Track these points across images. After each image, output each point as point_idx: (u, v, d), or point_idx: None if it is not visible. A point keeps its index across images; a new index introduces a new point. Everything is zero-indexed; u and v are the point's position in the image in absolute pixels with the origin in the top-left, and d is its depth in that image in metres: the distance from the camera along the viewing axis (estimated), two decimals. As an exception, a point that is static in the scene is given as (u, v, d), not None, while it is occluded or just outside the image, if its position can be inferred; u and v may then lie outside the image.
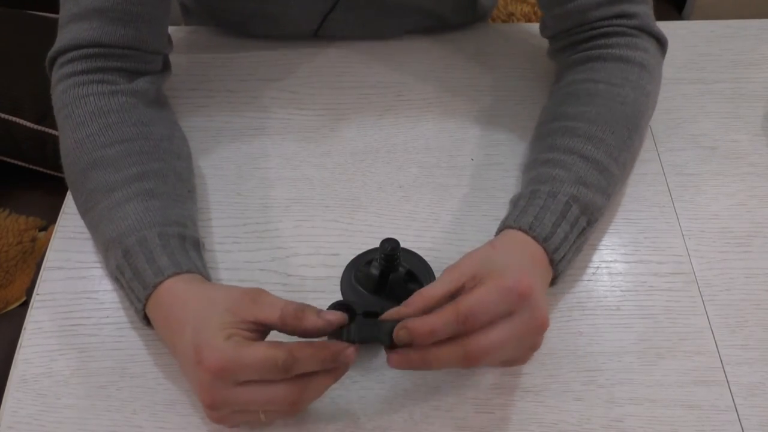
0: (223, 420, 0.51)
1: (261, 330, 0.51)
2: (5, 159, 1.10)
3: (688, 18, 1.48)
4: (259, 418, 0.51)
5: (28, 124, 1.05)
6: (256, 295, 0.52)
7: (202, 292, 0.54)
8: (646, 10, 0.71)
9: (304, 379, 0.49)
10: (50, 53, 0.66)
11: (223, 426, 0.54)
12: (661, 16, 0.71)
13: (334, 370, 0.51)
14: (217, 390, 0.49)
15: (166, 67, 0.74)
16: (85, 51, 0.65)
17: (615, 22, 0.70)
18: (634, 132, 0.66)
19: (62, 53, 0.66)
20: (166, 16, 0.70)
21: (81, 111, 0.64)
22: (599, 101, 0.66)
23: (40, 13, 1.18)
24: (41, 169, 1.10)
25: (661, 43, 0.71)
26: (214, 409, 0.50)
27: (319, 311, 0.51)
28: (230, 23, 0.86)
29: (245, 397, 0.49)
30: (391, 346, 0.50)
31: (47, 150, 1.07)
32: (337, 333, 0.51)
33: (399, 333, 0.49)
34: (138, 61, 0.68)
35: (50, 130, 1.06)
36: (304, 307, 0.50)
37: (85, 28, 0.65)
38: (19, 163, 1.10)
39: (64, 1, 0.66)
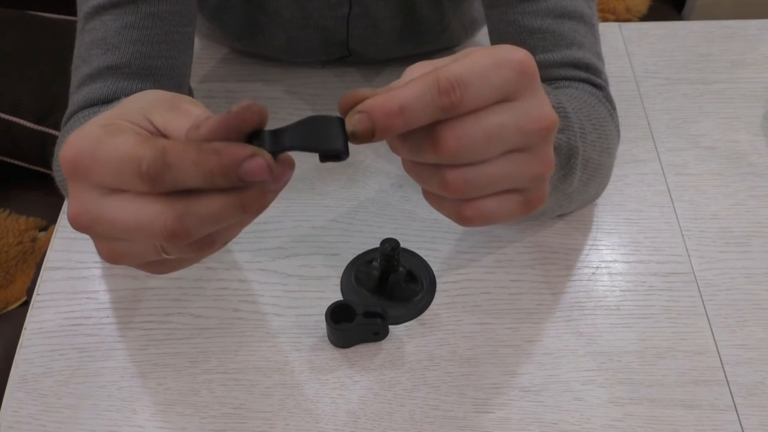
0: (112, 255, 0.38)
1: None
2: (5, 159, 1.09)
3: (687, 18, 1.48)
4: (160, 255, 0.37)
5: (28, 124, 1.05)
6: (183, 101, 0.38)
7: (145, 91, 0.40)
8: (607, 86, 0.66)
9: (186, 197, 0.34)
10: (63, 119, 0.61)
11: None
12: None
13: (235, 191, 0.34)
14: (76, 194, 0.36)
15: None
16: (97, 108, 0.59)
17: (579, 75, 0.63)
18: (601, 132, 0.59)
19: (72, 115, 0.60)
20: (187, 67, 0.65)
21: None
22: (568, 92, 0.62)
23: (41, 14, 1.18)
24: (41, 169, 1.10)
25: (612, 114, 0.65)
26: (79, 225, 0.36)
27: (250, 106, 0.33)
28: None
29: (110, 211, 0.35)
30: (344, 150, 0.35)
31: (47, 150, 1.07)
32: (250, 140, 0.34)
33: (353, 118, 0.34)
34: None
35: (50, 130, 1.05)
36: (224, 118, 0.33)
37: (98, 87, 0.59)
38: (19, 163, 1.10)
39: (75, 66, 0.61)
